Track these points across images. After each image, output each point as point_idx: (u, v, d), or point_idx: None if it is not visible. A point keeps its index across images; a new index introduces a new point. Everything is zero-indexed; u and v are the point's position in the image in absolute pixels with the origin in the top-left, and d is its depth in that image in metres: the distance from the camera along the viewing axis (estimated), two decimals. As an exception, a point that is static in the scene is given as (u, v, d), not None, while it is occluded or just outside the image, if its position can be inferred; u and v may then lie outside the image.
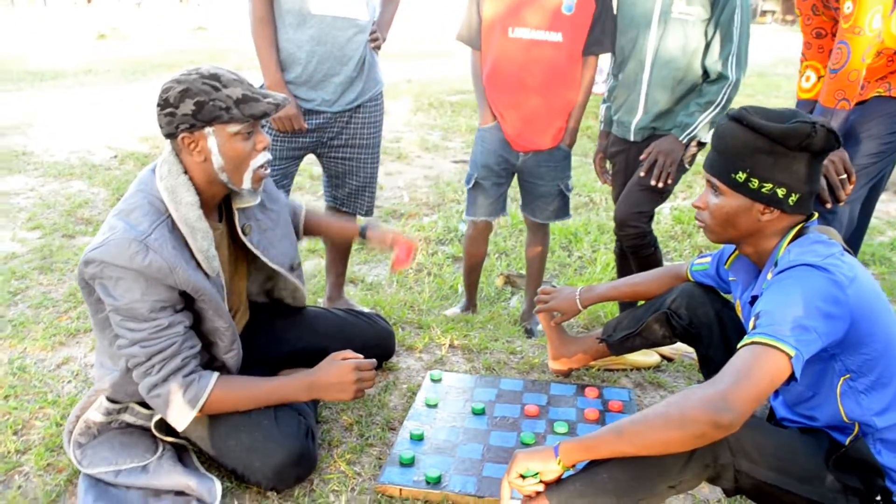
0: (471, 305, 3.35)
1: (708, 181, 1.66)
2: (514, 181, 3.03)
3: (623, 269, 3.04)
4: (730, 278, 1.88)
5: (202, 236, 1.75)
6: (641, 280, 2.21)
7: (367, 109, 2.69)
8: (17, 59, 11.21)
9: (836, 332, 1.43)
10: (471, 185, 2.96)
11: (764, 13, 23.50)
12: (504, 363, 2.52)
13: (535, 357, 2.56)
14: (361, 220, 2.63)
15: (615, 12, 2.76)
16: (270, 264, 1.99)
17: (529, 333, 3.07)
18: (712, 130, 2.56)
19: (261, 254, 1.96)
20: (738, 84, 2.62)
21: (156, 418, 1.85)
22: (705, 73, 2.64)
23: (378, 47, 2.69)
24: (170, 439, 1.89)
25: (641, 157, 2.69)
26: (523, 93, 2.73)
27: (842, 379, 1.52)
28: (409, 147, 6.72)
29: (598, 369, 2.46)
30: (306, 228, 2.32)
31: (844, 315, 1.43)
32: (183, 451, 1.91)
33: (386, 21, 2.79)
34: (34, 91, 8.35)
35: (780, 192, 1.55)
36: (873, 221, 5.30)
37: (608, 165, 2.99)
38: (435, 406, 2.13)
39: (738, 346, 1.44)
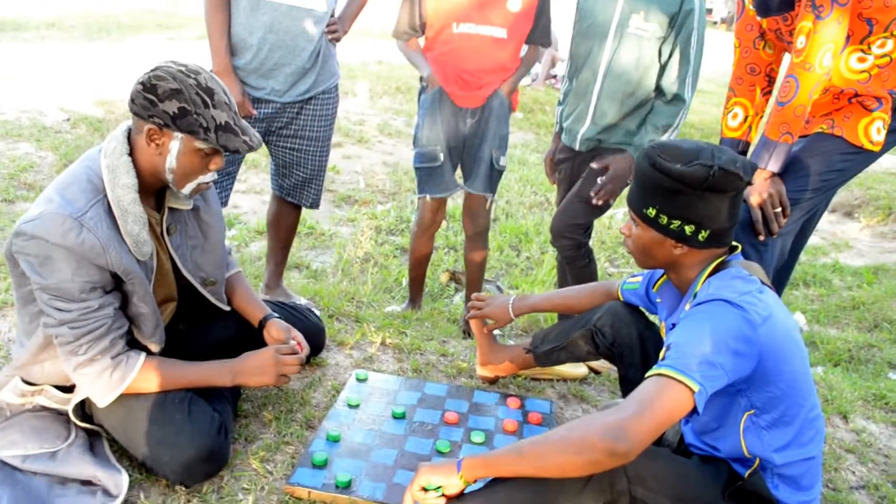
0: (414, 302, 3.35)
1: (629, 211, 1.70)
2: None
3: (563, 278, 3.07)
4: (657, 300, 1.92)
5: (133, 220, 1.74)
6: (573, 294, 2.24)
7: (319, 102, 2.67)
8: (-22, 5, 10.88)
9: (743, 369, 1.47)
10: (438, 163, 2.90)
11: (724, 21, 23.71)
12: (433, 365, 2.54)
13: (465, 361, 2.58)
14: (262, 313, 2.45)
15: (575, 19, 2.79)
16: (183, 271, 1.97)
17: (467, 334, 3.09)
18: None
19: (178, 258, 1.95)
20: (689, 105, 2.67)
21: (74, 401, 1.83)
22: (657, 90, 2.67)
23: (337, 39, 2.66)
24: (84, 425, 1.87)
25: (597, 170, 2.72)
26: (465, 85, 2.77)
27: (746, 414, 1.56)
28: (370, 131, 6.68)
29: (525, 378, 2.49)
30: (226, 287, 2.25)
31: (753, 354, 1.47)
32: (96, 438, 1.89)
33: (350, 13, 2.76)
34: (-8, 42, 8.13)
35: (688, 228, 1.60)
36: (818, 242, 5.44)
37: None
38: (356, 407, 2.14)
39: (647, 374, 1.47)
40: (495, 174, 2.95)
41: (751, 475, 1.59)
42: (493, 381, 2.43)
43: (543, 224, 5.00)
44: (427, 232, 3.15)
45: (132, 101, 1.71)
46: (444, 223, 3.25)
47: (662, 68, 2.63)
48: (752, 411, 1.56)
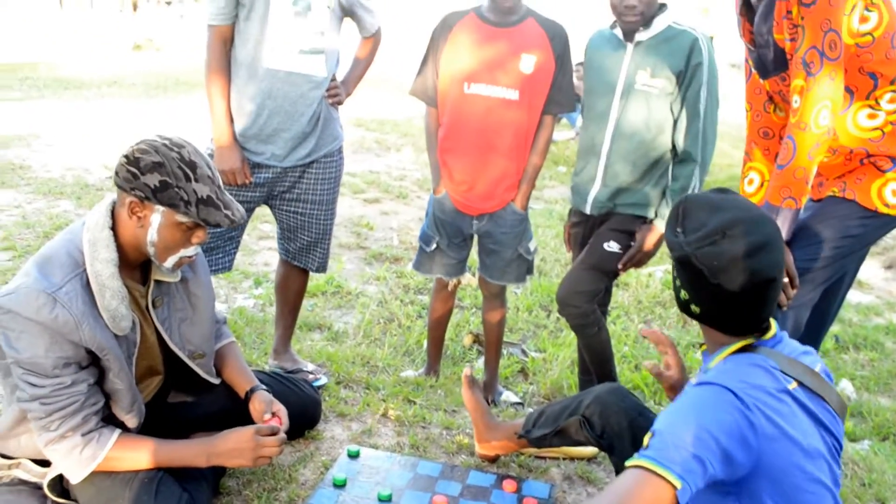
0: (432, 368, 3.26)
1: None
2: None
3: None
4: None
5: (111, 294, 1.73)
6: None
7: (321, 165, 2.64)
8: (49, 65, 11.44)
9: (737, 469, 1.34)
10: (430, 249, 2.90)
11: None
12: (433, 441, 2.43)
13: (467, 437, 2.46)
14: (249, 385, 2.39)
15: (581, 76, 2.72)
16: (170, 344, 1.95)
17: (493, 404, 2.99)
18: None
19: (163, 330, 1.92)
20: (706, 163, 2.55)
21: (49, 476, 1.81)
22: (674, 149, 2.57)
23: (339, 102, 2.65)
24: (60, 501, 1.84)
25: (606, 237, 2.63)
26: (476, 149, 2.67)
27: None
28: (410, 187, 6.69)
29: (529, 456, 2.37)
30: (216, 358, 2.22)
31: (748, 459, 1.34)
32: (70, 515, 1.86)
33: (354, 77, 2.76)
34: (54, 100, 8.49)
35: (695, 308, 1.50)
36: (871, 301, 5.15)
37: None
38: (342, 486, 2.05)
39: (626, 463, 1.35)
40: (519, 264, 2.88)
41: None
42: (493, 460, 2.31)
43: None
44: (442, 293, 3.09)
45: (116, 174, 1.73)
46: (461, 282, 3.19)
47: (674, 126, 2.54)
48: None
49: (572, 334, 4.04)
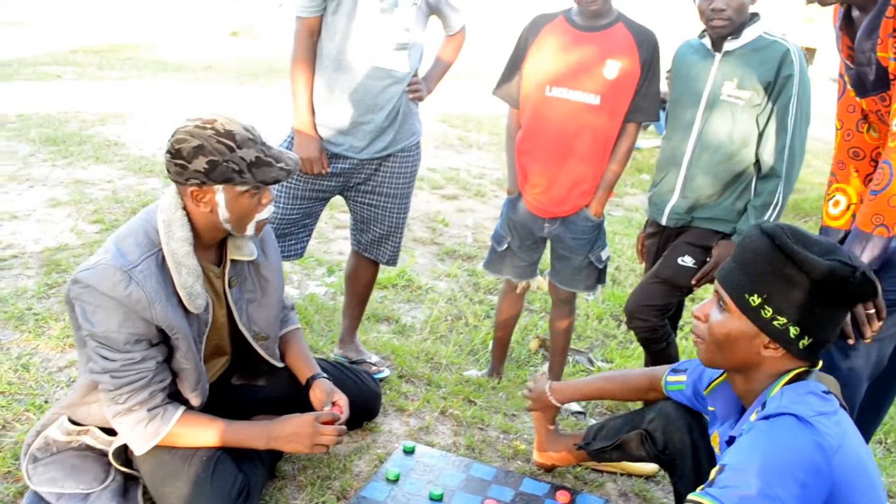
0: (496, 370, 3.24)
1: (716, 292, 1.51)
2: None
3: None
4: (709, 408, 1.73)
5: (187, 272, 1.78)
6: (616, 384, 2.08)
7: (398, 159, 2.66)
8: (149, 46, 11.90)
9: (811, 501, 1.27)
10: (501, 248, 2.89)
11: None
12: (490, 443, 2.41)
13: (525, 443, 2.43)
14: (311, 372, 2.39)
15: (668, 85, 2.64)
16: (238, 324, 2.00)
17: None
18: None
19: (235, 311, 1.97)
20: (792, 180, 2.45)
21: (114, 445, 1.87)
22: (758, 163, 2.48)
23: (420, 98, 2.65)
24: (123, 469, 1.90)
25: (681, 251, 2.56)
26: (553, 153, 2.63)
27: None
28: (488, 185, 6.67)
29: (586, 468, 2.32)
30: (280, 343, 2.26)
31: (823, 487, 1.27)
32: (132, 483, 1.92)
33: (435, 75, 2.76)
34: (152, 80, 8.83)
35: (794, 331, 1.40)
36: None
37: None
38: (395, 481, 2.05)
39: (690, 496, 1.31)
40: (589, 272, 2.84)
41: None
42: (549, 469, 2.28)
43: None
44: (511, 294, 3.06)
45: (167, 171, 1.76)
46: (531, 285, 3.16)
47: (760, 139, 2.44)
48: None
49: (640, 349, 3.97)
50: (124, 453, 1.91)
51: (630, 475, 2.32)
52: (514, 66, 2.70)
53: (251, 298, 2.01)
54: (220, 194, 1.76)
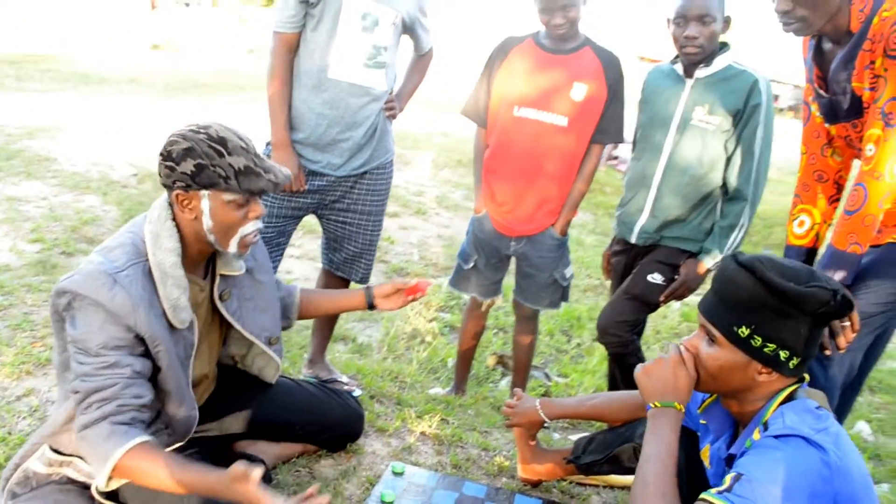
0: (459, 387, 3.25)
1: (703, 326, 1.57)
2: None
3: (612, 372, 2.96)
4: (700, 422, 1.78)
5: (173, 283, 1.72)
6: (607, 403, 2.11)
7: (373, 176, 2.65)
8: (68, 58, 11.46)
9: None
10: (468, 266, 2.90)
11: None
12: (473, 461, 2.42)
13: (507, 458, 2.45)
14: (357, 285, 2.53)
15: (638, 106, 2.73)
16: (245, 334, 1.95)
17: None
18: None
19: (236, 322, 1.92)
20: (756, 202, 2.56)
21: (96, 480, 1.77)
22: (724, 186, 2.58)
23: (394, 116, 2.66)
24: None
25: (649, 268, 2.63)
26: (521, 172, 2.68)
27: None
28: (428, 203, 6.69)
29: (571, 482, 2.35)
30: (303, 310, 2.24)
31: (829, 497, 1.34)
32: (119, 518, 1.83)
33: (407, 92, 2.78)
34: (75, 94, 8.50)
35: (783, 354, 1.47)
36: (890, 347, 5.15)
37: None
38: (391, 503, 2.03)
39: (703, 496, 1.37)
40: (554, 289, 2.89)
41: None
42: (535, 484, 2.29)
43: (597, 309, 4.84)
44: (475, 312, 3.08)
45: (158, 174, 1.73)
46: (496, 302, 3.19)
47: (727, 163, 2.55)
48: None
49: (594, 360, 4.06)
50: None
51: (612, 487, 2.37)
52: (483, 85, 2.74)
53: (254, 305, 1.97)
54: (205, 200, 1.71)
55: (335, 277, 2.83)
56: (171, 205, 1.77)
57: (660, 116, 2.61)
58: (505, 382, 3.74)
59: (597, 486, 2.35)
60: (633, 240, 2.71)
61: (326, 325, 2.91)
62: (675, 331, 4.74)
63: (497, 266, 2.91)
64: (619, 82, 2.65)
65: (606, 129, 2.67)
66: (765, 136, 2.49)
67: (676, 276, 2.62)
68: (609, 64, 2.63)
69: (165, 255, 1.71)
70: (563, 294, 2.94)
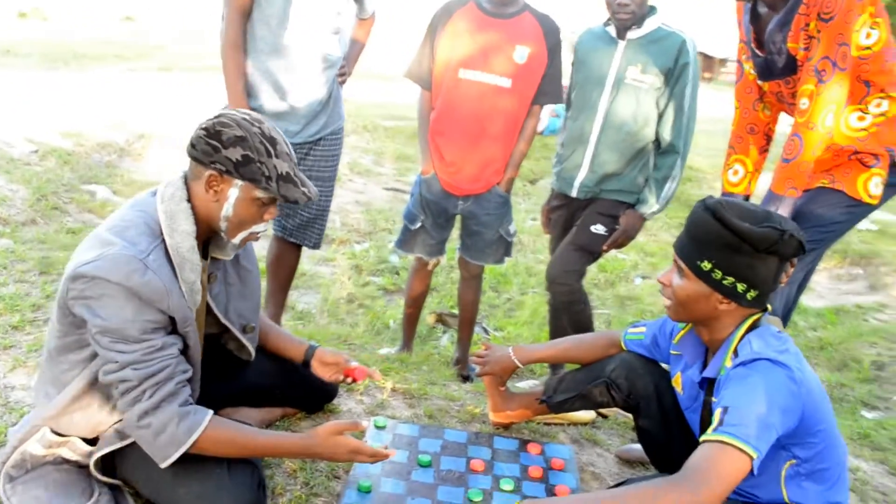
0: (407, 346, 3.34)
1: (675, 261, 1.73)
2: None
3: (554, 322, 3.12)
4: (672, 352, 1.96)
5: (191, 268, 1.70)
6: (577, 345, 2.26)
7: (327, 142, 2.67)
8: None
9: (790, 424, 1.53)
10: (415, 227, 2.97)
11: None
12: (445, 411, 2.53)
13: (475, 406, 2.57)
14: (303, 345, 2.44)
15: (571, 67, 2.86)
16: (222, 319, 1.93)
17: (465, 379, 3.10)
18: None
19: (215, 306, 1.91)
20: (686, 155, 2.76)
21: (95, 456, 1.76)
22: (656, 140, 2.76)
23: (343, 82, 2.68)
24: (106, 480, 1.80)
25: (594, 220, 2.79)
26: (468, 133, 2.77)
27: (787, 464, 1.61)
28: (341, 169, 6.66)
29: (538, 423, 2.50)
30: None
31: (798, 408, 1.53)
32: (119, 494, 1.82)
33: (353, 56, 2.80)
34: (-56, 68, 7.86)
35: (741, 286, 1.64)
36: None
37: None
38: (368, 492, 2.09)
39: (704, 438, 1.51)
40: (499, 245, 3.01)
41: (794, 519, 1.64)
42: (506, 427, 2.43)
43: (519, 265, 5.05)
44: (421, 272, 3.17)
45: (192, 145, 1.69)
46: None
47: (659, 119, 2.73)
48: (794, 461, 1.62)
49: (526, 313, 4.25)
50: (104, 463, 1.80)
51: (574, 424, 2.54)
52: (426, 48, 2.79)
53: (235, 291, 1.96)
54: (235, 189, 1.70)
55: (287, 244, 2.85)
56: (187, 180, 1.74)
57: (595, 76, 2.75)
58: (446, 338, 3.87)
59: (562, 424, 2.52)
60: (573, 194, 2.87)
61: (281, 291, 2.93)
62: (594, 282, 4.99)
63: (443, 225, 3.00)
64: (558, 46, 2.77)
65: (547, 90, 2.79)
66: (692, 93, 2.69)
67: (617, 227, 2.81)
68: (548, 28, 2.74)
69: (183, 239, 1.69)
70: (507, 249, 3.08)
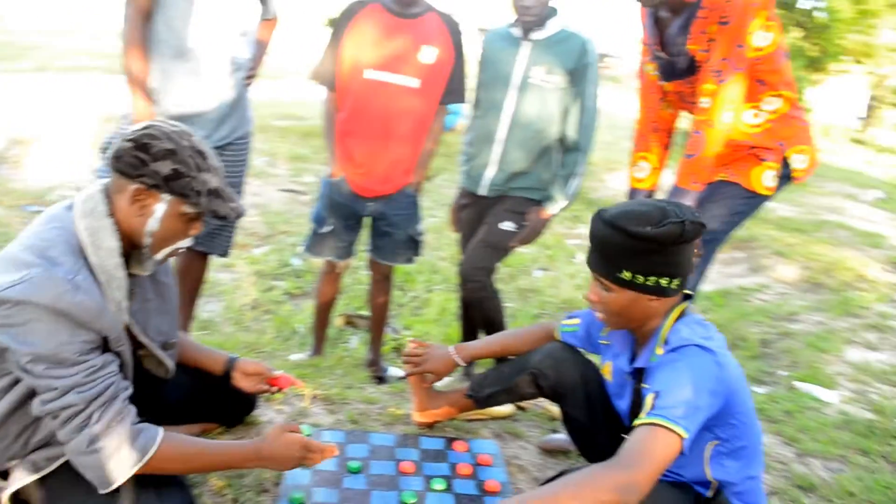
0: (318, 350, 3.30)
1: (596, 279, 1.79)
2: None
3: (466, 317, 3.16)
4: (601, 342, 2.03)
5: (117, 285, 1.62)
6: (515, 339, 2.31)
7: (235, 147, 2.60)
8: None
9: (717, 405, 1.62)
10: (324, 230, 2.93)
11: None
12: (367, 415, 2.51)
13: (396, 407, 2.57)
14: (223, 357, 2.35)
15: (477, 66, 2.90)
16: (141, 338, 1.84)
17: (380, 380, 3.09)
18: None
19: (134, 324, 1.82)
20: (590, 152, 2.86)
21: (7, 493, 1.65)
22: (561, 139, 2.84)
23: (250, 84, 2.61)
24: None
25: (503, 217, 2.85)
26: (377, 134, 2.76)
27: (710, 444, 1.71)
28: (234, 172, 6.50)
29: (460, 420, 2.52)
30: None
31: (723, 391, 1.63)
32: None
33: (258, 58, 2.73)
34: None
35: (664, 281, 1.71)
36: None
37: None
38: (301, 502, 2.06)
39: (638, 422, 1.57)
40: (409, 245, 3.03)
41: (716, 495, 1.74)
42: (430, 426, 2.44)
43: (423, 263, 5.07)
44: (330, 275, 3.14)
45: (117, 158, 1.60)
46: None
47: (564, 117, 2.81)
48: (716, 441, 1.71)
49: (434, 311, 4.27)
50: (17, 498, 1.69)
51: (493, 418, 2.58)
52: (332, 49, 2.76)
53: (154, 307, 1.87)
54: (162, 204, 1.63)
55: (194, 253, 2.75)
56: (108, 194, 1.65)
57: (501, 77, 2.80)
58: (356, 340, 3.85)
59: (483, 419, 2.55)
60: (482, 192, 2.91)
61: (190, 302, 2.84)
62: (498, 276, 5.07)
63: (353, 227, 2.98)
64: (462, 46, 2.80)
65: (454, 89, 2.81)
66: (595, 92, 2.79)
67: (525, 223, 2.87)
68: (453, 27, 2.77)
69: (108, 257, 1.60)
70: (417, 249, 3.09)
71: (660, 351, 1.73)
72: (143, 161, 1.59)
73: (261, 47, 2.75)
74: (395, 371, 3.37)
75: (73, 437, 1.53)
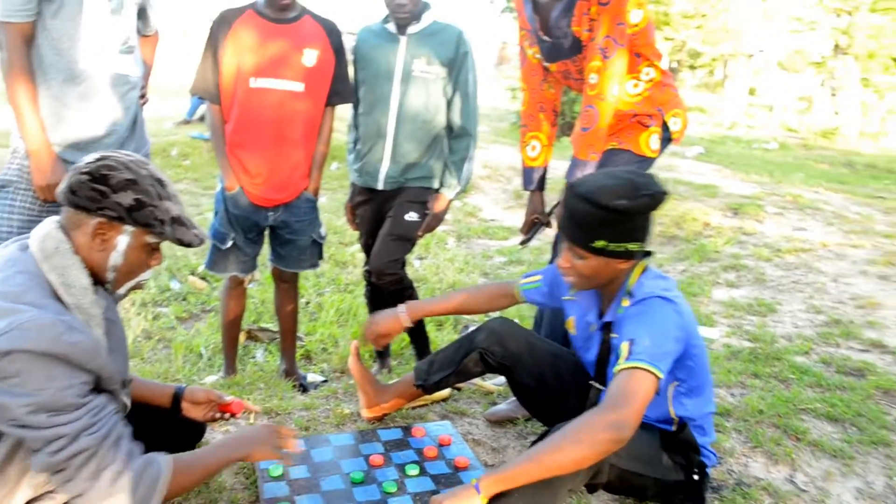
0: (231, 368, 3.23)
1: (570, 248, 1.92)
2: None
3: (377, 309, 3.21)
4: (566, 298, 2.17)
5: (96, 323, 1.57)
6: (471, 297, 2.40)
7: (137, 170, 2.49)
8: None
9: (680, 349, 1.81)
10: (226, 246, 2.89)
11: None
12: (315, 420, 2.52)
13: (342, 408, 2.59)
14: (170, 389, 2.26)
15: (354, 66, 2.95)
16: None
17: (303, 388, 3.08)
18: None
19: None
20: (476, 136, 3.00)
21: None
22: (448, 126, 2.96)
23: (145, 103, 2.52)
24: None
25: (407, 208, 2.92)
26: (269, 142, 2.75)
27: (672, 385, 1.90)
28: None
29: (406, 409, 2.59)
30: None
31: (685, 336, 1.83)
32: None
33: (146, 76, 2.63)
34: None
35: (632, 246, 1.88)
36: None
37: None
38: (281, 477, 2.07)
39: (618, 368, 1.73)
40: (313, 250, 3.05)
41: (679, 430, 1.93)
42: (380, 419, 2.49)
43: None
44: (236, 291, 3.09)
45: (73, 192, 1.53)
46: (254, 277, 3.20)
47: (448, 106, 2.93)
48: (677, 382, 1.92)
49: (331, 313, 4.27)
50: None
51: (435, 402, 2.67)
52: (209, 61, 2.71)
53: (110, 347, 1.79)
54: (125, 236, 1.58)
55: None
56: (67, 230, 1.57)
57: (382, 72, 2.88)
58: (261, 353, 3.78)
59: (425, 405, 2.63)
60: (379, 187, 2.98)
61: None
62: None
63: (255, 240, 2.96)
64: (342, 46, 2.84)
65: (338, 90, 2.85)
66: (474, 79, 2.93)
67: (428, 212, 2.97)
68: (330, 29, 2.80)
69: (82, 295, 1.54)
70: (320, 253, 3.11)
71: (626, 303, 1.90)
72: (102, 193, 1.54)
73: (145, 66, 2.65)
74: (314, 377, 3.37)
75: (91, 481, 1.47)
